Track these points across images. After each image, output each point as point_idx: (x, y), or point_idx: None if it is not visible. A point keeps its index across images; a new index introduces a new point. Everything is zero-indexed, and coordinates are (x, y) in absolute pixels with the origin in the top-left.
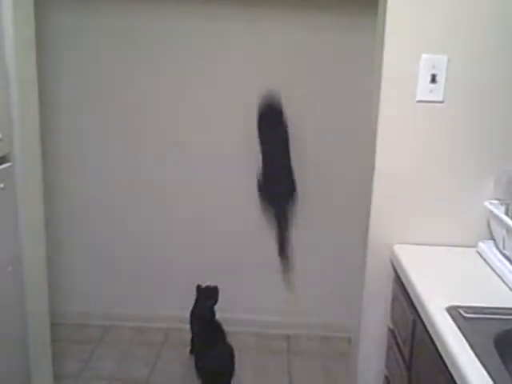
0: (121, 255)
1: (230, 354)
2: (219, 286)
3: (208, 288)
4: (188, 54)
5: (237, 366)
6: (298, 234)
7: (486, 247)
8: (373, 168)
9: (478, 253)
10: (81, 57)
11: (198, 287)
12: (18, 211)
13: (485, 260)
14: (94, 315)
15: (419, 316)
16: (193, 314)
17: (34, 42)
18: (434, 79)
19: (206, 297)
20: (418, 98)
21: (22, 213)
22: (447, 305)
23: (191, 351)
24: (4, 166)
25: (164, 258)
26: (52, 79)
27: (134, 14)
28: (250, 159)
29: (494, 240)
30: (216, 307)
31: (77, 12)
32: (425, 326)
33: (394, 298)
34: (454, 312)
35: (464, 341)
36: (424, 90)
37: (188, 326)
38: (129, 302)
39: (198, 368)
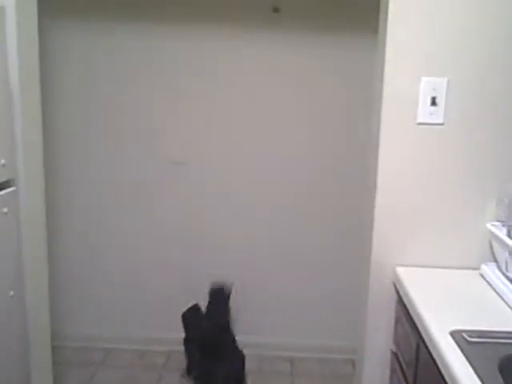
0: (122, 279)
1: (242, 360)
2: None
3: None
4: (188, 74)
5: None
6: (300, 255)
7: (489, 269)
8: (374, 190)
9: (481, 275)
10: (82, 79)
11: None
12: (21, 235)
13: (488, 282)
14: (95, 338)
15: (423, 339)
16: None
17: (37, 68)
18: (434, 102)
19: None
20: (418, 121)
21: (25, 237)
22: (451, 329)
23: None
24: (8, 190)
25: (165, 281)
26: (53, 100)
27: (137, 35)
28: (253, 183)
29: (496, 262)
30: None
31: (79, 35)
32: (428, 350)
33: (397, 321)
34: (457, 336)
35: (468, 365)
36: (424, 113)
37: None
38: (130, 324)
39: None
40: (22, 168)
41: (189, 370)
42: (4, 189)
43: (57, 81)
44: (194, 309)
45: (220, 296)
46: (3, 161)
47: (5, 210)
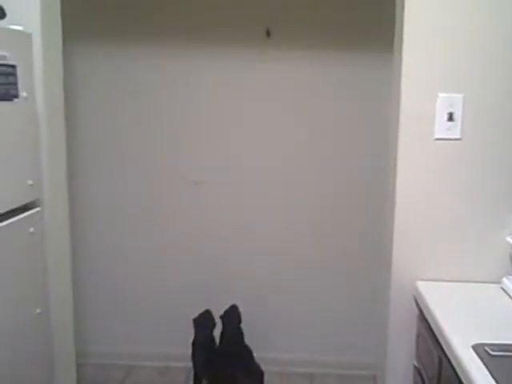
0: (143, 296)
1: (261, 377)
2: (243, 325)
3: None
4: (203, 96)
5: None
6: (318, 272)
7: (510, 283)
8: (393, 205)
9: (502, 289)
10: (102, 100)
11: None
12: (46, 254)
13: (509, 296)
14: (115, 355)
15: (445, 354)
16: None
17: (62, 93)
18: (451, 117)
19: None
20: (436, 136)
21: (50, 256)
22: (473, 342)
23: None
24: (34, 210)
25: (186, 298)
26: (75, 121)
27: (157, 61)
28: (270, 200)
29: None
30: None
31: (96, 57)
32: (451, 364)
33: (419, 336)
34: (480, 350)
35: (491, 379)
36: (442, 128)
37: None
38: (150, 341)
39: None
40: (47, 188)
41: (196, 376)
42: (31, 209)
43: (77, 102)
44: (205, 313)
45: (232, 314)
46: (30, 181)
47: (31, 229)
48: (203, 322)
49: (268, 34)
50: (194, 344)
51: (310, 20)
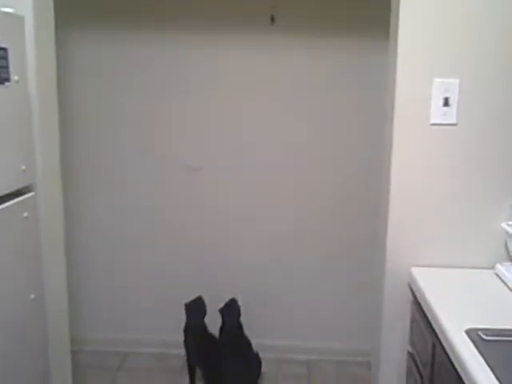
0: (140, 282)
1: (258, 361)
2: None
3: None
4: (205, 82)
5: None
6: (315, 260)
7: (504, 269)
8: (388, 191)
9: (496, 274)
10: (97, 86)
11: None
12: (40, 239)
13: (503, 282)
14: (113, 342)
15: (438, 339)
16: (223, 329)
17: (55, 77)
18: (446, 102)
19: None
20: (431, 121)
21: (45, 241)
22: (466, 327)
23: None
24: (27, 195)
25: (182, 284)
26: (69, 106)
27: (151, 43)
28: (270, 188)
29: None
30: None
31: (93, 44)
32: (444, 349)
33: (413, 321)
34: (473, 334)
35: (484, 364)
36: (437, 114)
37: None
38: (146, 328)
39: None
40: (40, 173)
41: (189, 363)
42: (24, 194)
43: (72, 87)
44: (197, 300)
45: (231, 308)
46: (23, 167)
47: (25, 214)
48: (194, 308)
49: (272, 20)
50: (185, 331)
51: (312, 7)
